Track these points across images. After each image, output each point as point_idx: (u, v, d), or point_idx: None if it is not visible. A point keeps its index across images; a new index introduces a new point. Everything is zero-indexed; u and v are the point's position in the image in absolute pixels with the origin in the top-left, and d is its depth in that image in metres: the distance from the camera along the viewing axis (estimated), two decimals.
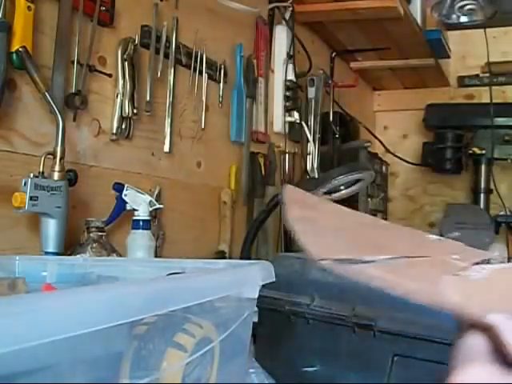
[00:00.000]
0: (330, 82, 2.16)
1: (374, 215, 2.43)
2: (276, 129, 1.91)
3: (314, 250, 0.40)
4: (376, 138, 2.64)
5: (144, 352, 0.47)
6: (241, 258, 1.51)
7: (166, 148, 1.38)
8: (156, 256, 1.22)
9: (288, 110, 1.92)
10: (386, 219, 2.62)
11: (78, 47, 1.10)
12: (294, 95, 1.92)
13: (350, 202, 1.96)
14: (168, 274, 0.67)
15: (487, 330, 0.34)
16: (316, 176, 1.90)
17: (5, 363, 0.32)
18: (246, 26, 1.76)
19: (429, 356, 0.81)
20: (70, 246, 1.05)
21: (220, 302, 0.54)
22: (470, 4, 2.23)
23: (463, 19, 2.34)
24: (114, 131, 1.21)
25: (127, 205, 1.15)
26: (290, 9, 1.90)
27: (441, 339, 0.79)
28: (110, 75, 1.20)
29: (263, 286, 0.60)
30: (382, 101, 3.05)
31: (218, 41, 1.60)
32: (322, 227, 0.45)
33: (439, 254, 0.43)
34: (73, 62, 1.10)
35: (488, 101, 2.52)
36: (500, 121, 2.51)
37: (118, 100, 1.21)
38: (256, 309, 0.88)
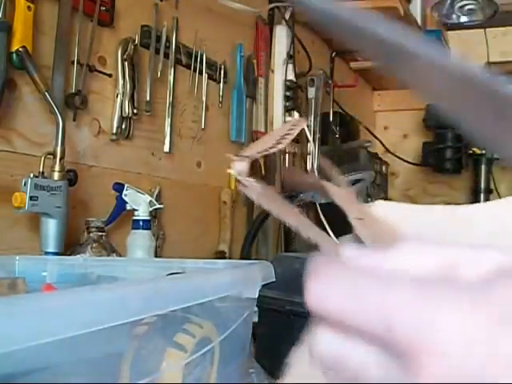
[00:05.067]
0: (329, 81, 2.16)
1: None
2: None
3: None
4: (376, 138, 2.64)
5: (144, 352, 0.47)
6: (241, 258, 1.51)
7: (166, 148, 1.38)
8: (156, 256, 1.22)
9: (288, 110, 1.92)
10: None
11: (77, 47, 1.11)
12: (294, 95, 1.92)
13: None
14: (168, 274, 0.67)
15: None
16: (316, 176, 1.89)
17: (5, 363, 0.32)
18: (246, 25, 1.76)
19: None
20: (70, 246, 1.05)
21: (220, 302, 0.54)
22: (470, 4, 2.24)
23: (463, 19, 2.34)
24: (114, 131, 1.21)
25: (127, 205, 1.15)
26: (290, 9, 1.90)
27: None
28: (110, 75, 1.20)
29: (263, 286, 0.59)
30: (382, 101, 3.05)
31: (218, 41, 1.60)
32: None
33: None
34: (73, 62, 1.10)
35: None
36: None
37: (118, 100, 1.21)
38: (256, 309, 0.88)
